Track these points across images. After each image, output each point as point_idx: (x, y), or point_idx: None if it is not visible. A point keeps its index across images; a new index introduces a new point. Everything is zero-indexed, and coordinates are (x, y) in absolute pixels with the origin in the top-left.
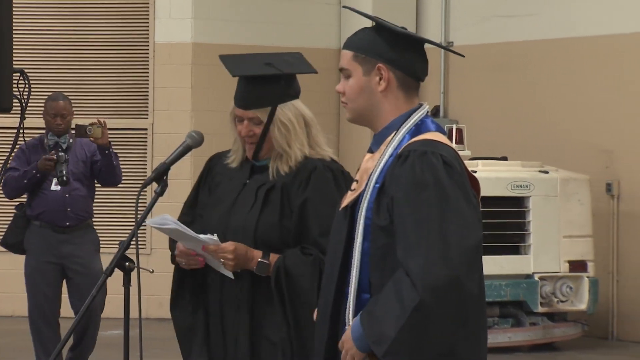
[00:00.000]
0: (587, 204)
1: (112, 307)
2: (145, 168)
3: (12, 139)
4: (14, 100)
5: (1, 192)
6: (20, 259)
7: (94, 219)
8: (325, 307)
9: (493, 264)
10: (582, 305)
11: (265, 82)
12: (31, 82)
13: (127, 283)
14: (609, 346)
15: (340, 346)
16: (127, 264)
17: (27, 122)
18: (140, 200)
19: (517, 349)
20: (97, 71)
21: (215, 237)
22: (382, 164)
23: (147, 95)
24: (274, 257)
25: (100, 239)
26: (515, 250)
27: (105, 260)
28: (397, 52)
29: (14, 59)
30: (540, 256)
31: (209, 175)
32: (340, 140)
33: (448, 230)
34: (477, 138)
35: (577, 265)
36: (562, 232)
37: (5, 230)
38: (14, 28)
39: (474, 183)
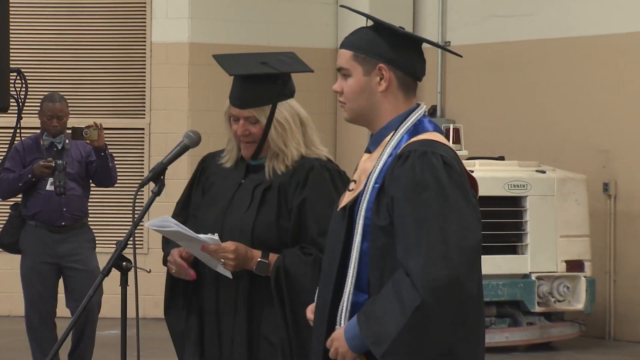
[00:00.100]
0: (584, 203)
1: (109, 307)
2: (143, 168)
3: (9, 138)
4: (11, 100)
5: None
6: (17, 258)
7: (90, 219)
8: (324, 307)
9: (490, 264)
10: (579, 305)
11: (261, 81)
12: (28, 81)
13: (124, 283)
14: (606, 346)
15: (328, 344)
16: (124, 263)
17: (24, 122)
18: (137, 200)
19: (514, 349)
20: (94, 71)
21: (216, 236)
22: (381, 164)
23: (144, 95)
24: (273, 257)
25: (97, 238)
26: (513, 250)
27: (102, 260)
28: (397, 52)
29: (11, 58)
30: (538, 256)
31: (202, 175)
32: (337, 140)
33: (448, 230)
34: (474, 138)
35: (574, 265)
36: (559, 231)
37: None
38: (10, 27)
39: (473, 183)
